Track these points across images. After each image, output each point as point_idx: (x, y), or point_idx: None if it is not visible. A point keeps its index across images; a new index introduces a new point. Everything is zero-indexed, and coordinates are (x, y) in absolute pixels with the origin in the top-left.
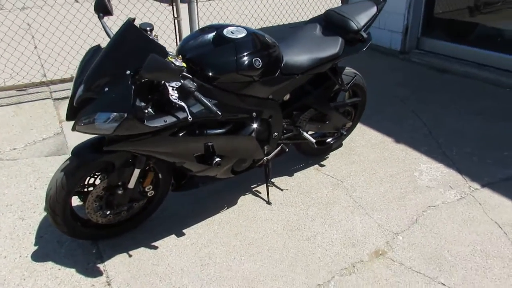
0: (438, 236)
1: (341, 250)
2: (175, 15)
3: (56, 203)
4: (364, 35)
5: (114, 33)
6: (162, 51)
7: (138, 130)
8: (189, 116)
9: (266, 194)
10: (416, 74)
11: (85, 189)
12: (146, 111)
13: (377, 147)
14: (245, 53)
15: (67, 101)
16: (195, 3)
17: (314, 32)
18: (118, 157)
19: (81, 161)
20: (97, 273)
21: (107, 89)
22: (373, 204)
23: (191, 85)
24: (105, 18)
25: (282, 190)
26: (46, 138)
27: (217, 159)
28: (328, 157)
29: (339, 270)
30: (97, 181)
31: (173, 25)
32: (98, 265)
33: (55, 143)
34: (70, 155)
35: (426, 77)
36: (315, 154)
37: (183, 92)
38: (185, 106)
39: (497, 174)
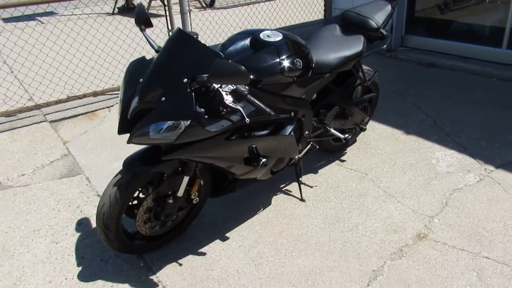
0: (470, 216)
1: (385, 237)
2: (169, 27)
3: (110, 218)
4: (384, 32)
5: (156, 44)
6: (214, 57)
7: (199, 136)
8: (247, 119)
9: (297, 192)
10: (406, 69)
11: (132, 202)
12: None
13: (390, 140)
14: (286, 55)
15: (65, 122)
16: (188, 14)
17: (335, 32)
18: (168, 166)
19: (134, 174)
20: (152, 285)
21: (164, 98)
22: (402, 192)
23: (244, 88)
24: (147, 30)
25: (311, 187)
26: (54, 161)
27: (264, 160)
28: (346, 153)
29: (389, 255)
30: (141, 195)
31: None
32: (151, 277)
33: (65, 165)
34: (122, 169)
35: (416, 72)
36: (334, 151)
37: (236, 96)
38: (241, 109)
39: (507, 156)
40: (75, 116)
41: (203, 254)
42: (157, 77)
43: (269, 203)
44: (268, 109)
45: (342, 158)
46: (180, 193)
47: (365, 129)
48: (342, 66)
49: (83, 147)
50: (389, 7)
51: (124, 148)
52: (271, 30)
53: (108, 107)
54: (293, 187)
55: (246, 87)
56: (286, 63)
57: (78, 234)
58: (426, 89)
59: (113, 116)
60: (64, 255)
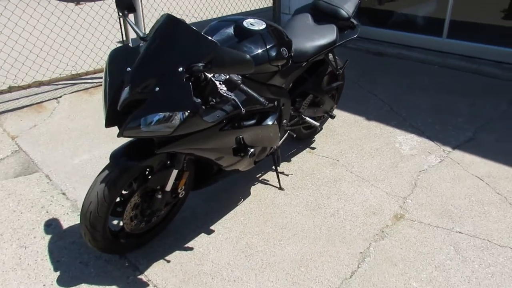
0: (438, 194)
1: (365, 220)
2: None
3: (98, 218)
4: (355, 22)
5: (140, 30)
6: (214, 45)
7: (197, 127)
8: (242, 108)
9: (274, 181)
10: (357, 58)
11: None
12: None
13: (353, 126)
14: (273, 44)
15: (8, 115)
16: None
17: (308, 21)
18: (156, 159)
19: (123, 169)
20: (142, 284)
21: (157, 88)
22: (374, 176)
23: (236, 77)
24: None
25: (287, 175)
26: (4, 158)
27: (252, 150)
28: (314, 140)
29: (372, 237)
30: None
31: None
32: (139, 277)
33: (18, 162)
34: (108, 164)
35: (366, 60)
36: (303, 138)
37: (230, 85)
38: (236, 99)
39: (460, 138)
40: (18, 108)
41: (190, 249)
42: (149, 66)
43: (248, 194)
44: (261, 99)
45: (312, 145)
46: (169, 187)
47: (334, 116)
48: (318, 55)
49: (35, 142)
50: None
51: (83, 143)
52: (253, 18)
53: (56, 98)
54: (269, 176)
55: (239, 76)
56: (273, 52)
57: (49, 236)
58: (378, 77)
59: (64, 108)
60: (37, 259)
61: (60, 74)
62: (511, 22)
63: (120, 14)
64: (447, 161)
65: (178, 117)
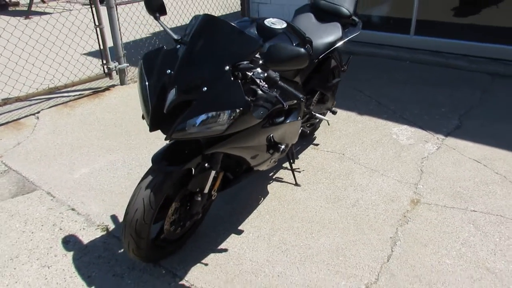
0: (445, 178)
1: (386, 207)
2: (97, 23)
3: (144, 225)
4: (356, 19)
5: (173, 33)
6: (256, 43)
7: (247, 124)
8: (285, 104)
9: (288, 178)
10: None
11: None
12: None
13: (348, 122)
14: (298, 42)
15: None
16: (115, 9)
17: (312, 20)
18: (195, 162)
19: (166, 174)
20: None
21: (205, 88)
22: (381, 166)
23: (275, 74)
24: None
25: (299, 171)
26: None
27: (283, 146)
28: (316, 137)
29: (397, 222)
30: None
31: (95, 34)
32: (181, 282)
33: (10, 182)
34: (151, 169)
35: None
36: (305, 136)
37: (269, 82)
38: (277, 95)
39: (448, 126)
40: None
41: (225, 250)
42: (194, 67)
43: (267, 192)
44: (299, 94)
45: (315, 142)
46: (207, 189)
47: (336, 112)
48: (328, 52)
49: (24, 160)
50: None
51: (77, 157)
52: (271, 18)
53: (33, 114)
54: (281, 174)
55: (277, 73)
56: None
57: (70, 253)
58: (358, 74)
59: (45, 123)
60: (66, 278)
61: (37, 89)
62: (470, 19)
63: (152, 16)
64: (444, 148)
65: (226, 116)
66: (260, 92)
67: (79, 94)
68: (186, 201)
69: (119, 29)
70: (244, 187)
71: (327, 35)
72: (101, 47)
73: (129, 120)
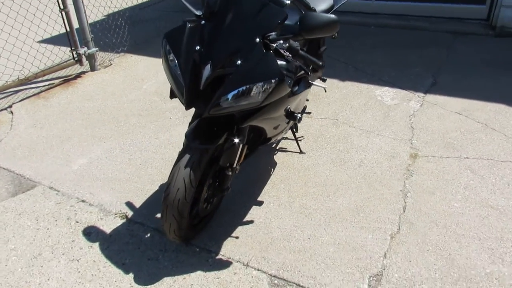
0: (435, 132)
1: (389, 163)
2: (62, 7)
3: (185, 204)
4: None
5: (194, 9)
6: (282, 13)
7: (282, 94)
8: (309, 72)
9: (291, 147)
10: None
11: None
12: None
13: (333, 88)
14: (305, 11)
15: None
16: None
17: None
18: (224, 138)
19: (203, 151)
20: (224, 264)
21: (239, 62)
22: (375, 127)
23: (296, 44)
24: None
25: (300, 140)
26: None
27: (299, 115)
28: (306, 106)
29: (403, 175)
30: None
31: (61, 18)
32: (218, 257)
33: (6, 181)
34: (186, 147)
35: None
36: None
37: (292, 52)
38: (301, 64)
39: (425, 83)
40: None
41: (251, 222)
42: (225, 41)
43: (274, 163)
44: (319, 62)
45: (307, 110)
46: (236, 163)
47: (325, 80)
48: None
49: (12, 157)
50: None
51: (70, 148)
52: None
53: (6, 109)
54: (284, 144)
55: (297, 42)
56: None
57: (96, 244)
58: (328, 42)
59: (23, 117)
60: (100, 268)
61: (6, 81)
62: None
63: None
64: (426, 104)
65: (263, 87)
66: (283, 62)
67: (49, 84)
68: (216, 177)
69: (85, 12)
70: (249, 162)
71: (321, 4)
72: (69, 32)
73: (112, 106)
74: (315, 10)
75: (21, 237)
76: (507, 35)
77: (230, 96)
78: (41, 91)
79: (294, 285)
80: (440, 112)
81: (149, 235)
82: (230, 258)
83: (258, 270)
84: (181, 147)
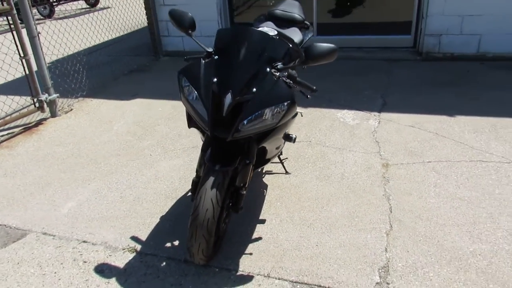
0: (397, 143)
1: (367, 174)
2: (22, 54)
3: (214, 223)
4: (308, 23)
5: (204, 46)
6: (285, 46)
7: (292, 114)
8: (308, 96)
9: (276, 169)
10: None
11: None
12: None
13: (299, 115)
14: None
15: None
16: (37, 37)
17: (275, 27)
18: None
19: (225, 172)
20: (248, 278)
21: (255, 89)
22: (345, 144)
23: (294, 73)
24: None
25: (284, 161)
26: None
27: (294, 136)
28: None
29: (381, 182)
30: None
31: (21, 66)
32: (239, 274)
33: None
34: (208, 169)
35: None
36: None
37: (291, 78)
38: (301, 89)
39: (377, 104)
40: None
41: (259, 238)
42: (241, 72)
43: (266, 185)
44: (313, 86)
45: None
46: (248, 182)
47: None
48: None
49: None
50: (297, 3)
51: (53, 193)
52: (262, 27)
53: None
54: (268, 167)
55: (294, 71)
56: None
57: (113, 279)
58: None
59: None
60: None
61: None
62: (359, 18)
63: (184, 32)
64: (383, 121)
65: (279, 109)
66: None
67: (9, 133)
68: (231, 198)
69: (44, 59)
70: None
71: (295, 38)
72: (29, 79)
73: (86, 149)
74: (297, 44)
75: (28, 284)
76: (432, 59)
77: (250, 119)
78: (2, 141)
79: (316, 286)
80: (396, 126)
81: (164, 263)
82: (250, 272)
83: (279, 279)
84: (171, 180)
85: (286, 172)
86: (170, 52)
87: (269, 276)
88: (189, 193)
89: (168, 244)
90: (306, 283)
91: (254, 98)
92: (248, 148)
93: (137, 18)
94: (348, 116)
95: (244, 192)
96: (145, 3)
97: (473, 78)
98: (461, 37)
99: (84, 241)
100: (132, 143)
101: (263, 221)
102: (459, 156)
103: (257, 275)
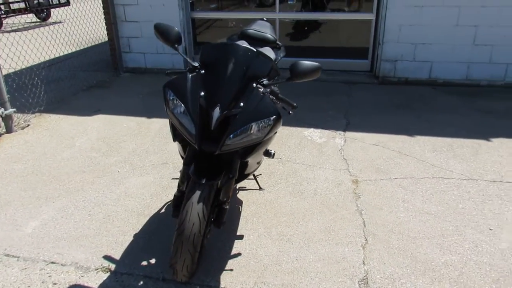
0: (364, 161)
1: (339, 189)
2: None
3: (199, 237)
4: (280, 44)
5: (192, 61)
6: (269, 62)
7: (277, 128)
8: (291, 112)
9: (249, 185)
10: None
11: None
12: None
13: None
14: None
15: None
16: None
17: (249, 46)
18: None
19: (210, 186)
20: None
21: (242, 104)
22: (315, 161)
23: (276, 89)
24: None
25: (257, 177)
26: None
27: (272, 151)
28: None
29: (353, 198)
30: None
31: None
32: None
33: None
34: (194, 183)
35: None
36: None
37: (274, 95)
38: (284, 105)
39: (342, 123)
40: None
41: (239, 254)
42: (228, 87)
43: (240, 201)
44: (294, 103)
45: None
46: (231, 196)
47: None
48: None
49: None
50: (269, 24)
51: (13, 213)
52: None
53: None
54: (242, 183)
55: (276, 87)
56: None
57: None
58: None
59: None
60: None
61: None
62: (319, 42)
63: (170, 47)
64: (348, 140)
65: (265, 124)
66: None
67: None
68: (218, 211)
69: (1, 72)
70: None
71: (270, 56)
72: None
73: (48, 166)
74: (274, 61)
75: None
76: (388, 83)
77: (237, 133)
78: None
79: None
80: (361, 145)
81: (142, 282)
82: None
83: None
84: (142, 197)
85: (260, 188)
86: (131, 69)
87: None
88: (162, 210)
89: (144, 263)
90: None
91: (241, 112)
92: (231, 163)
93: (93, 34)
94: (315, 134)
95: (227, 206)
96: (106, 19)
97: (427, 102)
98: (414, 63)
99: (52, 262)
100: (98, 159)
101: (241, 237)
102: (422, 173)
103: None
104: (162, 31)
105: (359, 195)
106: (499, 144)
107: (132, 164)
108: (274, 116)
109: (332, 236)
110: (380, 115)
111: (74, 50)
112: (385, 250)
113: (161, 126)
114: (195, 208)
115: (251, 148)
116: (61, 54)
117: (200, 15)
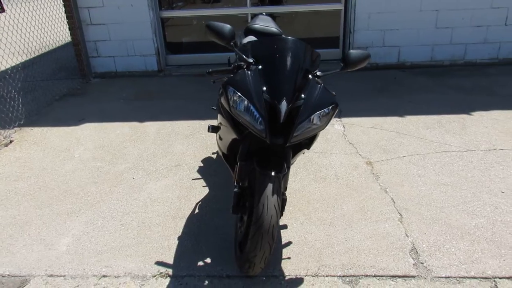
0: (369, 143)
1: (358, 171)
2: None
3: (276, 229)
4: (284, 36)
5: (245, 57)
6: (319, 54)
7: (332, 117)
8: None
9: None
10: (190, 82)
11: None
12: None
13: None
14: None
15: None
16: None
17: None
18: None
19: (279, 177)
20: (299, 281)
21: (303, 95)
22: (324, 148)
23: (320, 80)
24: None
25: None
26: None
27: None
28: None
29: (373, 178)
30: None
31: None
32: (288, 278)
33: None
34: (265, 176)
35: (199, 82)
36: None
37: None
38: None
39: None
40: None
41: (290, 243)
42: (290, 80)
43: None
44: (332, 91)
45: None
46: (287, 188)
47: None
48: None
49: None
50: (270, 18)
51: (38, 232)
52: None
53: None
54: None
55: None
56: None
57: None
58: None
59: None
60: None
61: None
62: (291, 33)
63: (226, 45)
64: (347, 126)
65: (327, 113)
66: None
67: None
68: None
69: None
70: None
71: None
72: None
73: (53, 181)
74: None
75: None
76: (360, 69)
77: (305, 124)
78: None
79: (363, 276)
80: (361, 129)
81: (207, 282)
82: (297, 275)
83: (328, 276)
84: (169, 201)
85: None
86: (100, 74)
87: (317, 275)
88: (196, 211)
89: (201, 263)
90: (353, 275)
91: (306, 103)
92: (286, 154)
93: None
94: None
95: (286, 197)
96: (69, 23)
97: (402, 84)
98: (384, 49)
99: (104, 276)
100: (105, 169)
101: (285, 226)
102: (425, 149)
103: (306, 276)
104: (216, 30)
105: (378, 175)
106: (480, 116)
107: (144, 170)
108: (332, 105)
109: (369, 215)
110: (366, 100)
111: (26, 59)
112: (420, 221)
113: (157, 128)
114: (271, 201)
115: (313, 137)
116: (12, 64)
117: (169, 14)
